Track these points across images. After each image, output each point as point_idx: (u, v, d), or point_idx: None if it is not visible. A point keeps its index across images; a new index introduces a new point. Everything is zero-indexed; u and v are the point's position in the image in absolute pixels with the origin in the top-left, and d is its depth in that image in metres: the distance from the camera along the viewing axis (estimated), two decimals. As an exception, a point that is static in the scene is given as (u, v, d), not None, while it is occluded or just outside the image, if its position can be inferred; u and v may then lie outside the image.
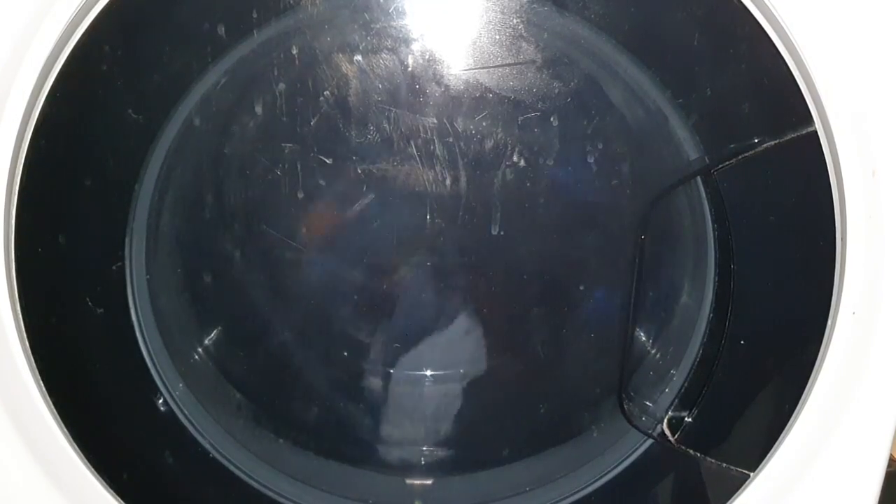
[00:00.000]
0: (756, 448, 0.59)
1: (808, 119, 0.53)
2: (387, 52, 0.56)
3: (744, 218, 0.56)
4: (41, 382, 0.57)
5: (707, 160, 0.55)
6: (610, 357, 0.66)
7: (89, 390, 0.59)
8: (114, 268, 0.58)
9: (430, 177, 0.60)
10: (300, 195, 0.61)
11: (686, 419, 0.61)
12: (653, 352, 0.68)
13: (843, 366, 0.57)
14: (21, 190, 0.54)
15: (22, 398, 0.57)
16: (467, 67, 0.57)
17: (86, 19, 0.52)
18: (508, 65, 0.56)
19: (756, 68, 0.53)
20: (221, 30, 0.53)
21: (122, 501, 0.60)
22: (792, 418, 0.58)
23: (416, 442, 0.71)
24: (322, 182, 0.61)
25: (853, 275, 0.55)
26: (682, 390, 0.62)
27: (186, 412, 0.62)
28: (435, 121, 0.58)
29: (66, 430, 0.58)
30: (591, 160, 0.61)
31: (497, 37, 0.55)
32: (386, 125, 0.58)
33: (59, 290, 0.57)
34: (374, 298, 0.67)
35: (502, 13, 0.54)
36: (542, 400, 0.71)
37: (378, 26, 0.55)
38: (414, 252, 0.64)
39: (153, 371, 0.60)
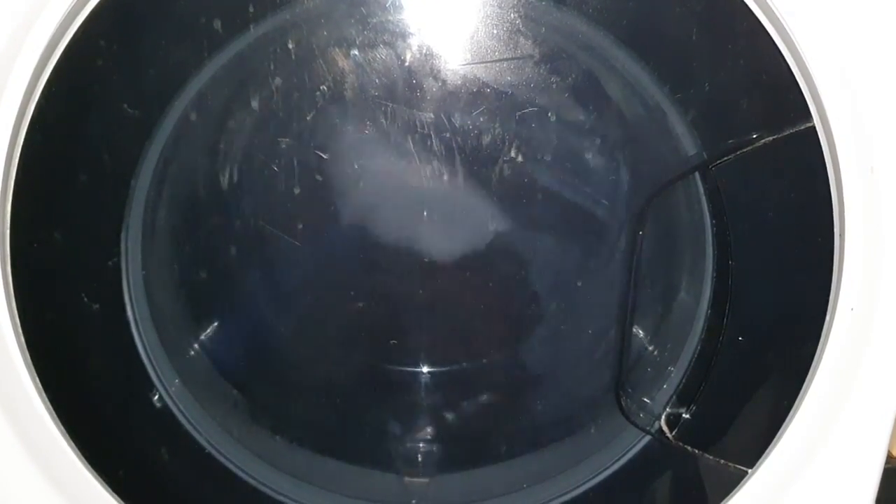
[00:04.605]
0: (754, 444, 0.59)
1: (807, 115, 0.53)
2: (384, 46, 0.56)
3: (742, 214, 0.56)
4: (37, 378, 0.57)
5: (705, 156, 0.55)
6: (608, 353, 0.66)
7: (85, 386, 0.59)
8: (109, 263, 0.58)
9: (428, 172, 0.60)
10: (296, 190, 0.61)
11: (684, 416, 0.61)
12: (650, 348, 0.68)
13: (842, 362, 0.57)
14: (16, 185, 0.54)
15: (17, 394, 0.57)
16: (464, 62, 0.56)
17: (81, 13, 0.52)
18: (506, 59, 0.56)
19: (754, 64, 0.53)
20: (217, 24, 0.52)
21: (117, 498, 0.60)
22: (790, 415, 0.58)
23: (413, 439, 0.71)
24: (318, 177, 0.61)
25: (851, 271, 0.55)
26: (680, 387, 0.62)
27: (182, 408, 0.62)
28: (432, 116, 0.58)
29: (61, 425, 0.58)
30: (588, 156, 0.61)
31: (494, 31, 0.55)
32: (383, 120, 0.58)
33: (55, 286, 0.57)
34: (371, 294, 0.67)
35: (500, 7, 0.54)
36: (539, 396, 0.71)
37: (375, 21, 0.55)
38: (410, 247, 0.64)
39: (149, 367, 0.60)
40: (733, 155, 0.54)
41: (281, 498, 0.65)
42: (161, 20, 0.53)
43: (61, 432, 0.58)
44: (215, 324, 0.69)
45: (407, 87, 0.57)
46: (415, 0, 0.54)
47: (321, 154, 0.60)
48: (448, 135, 0.58)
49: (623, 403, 0.63)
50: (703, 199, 0.58)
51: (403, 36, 0.55)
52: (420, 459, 0.70)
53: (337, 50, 0.56)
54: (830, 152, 0.53)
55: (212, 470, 0.63)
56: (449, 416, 0.72)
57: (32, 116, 0.53)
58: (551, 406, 0.71)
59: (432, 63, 0.56)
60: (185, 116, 0.57)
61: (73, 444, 0.58)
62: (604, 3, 0.52)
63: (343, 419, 0.71)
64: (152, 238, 0.62)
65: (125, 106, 0.54)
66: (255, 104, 0.58)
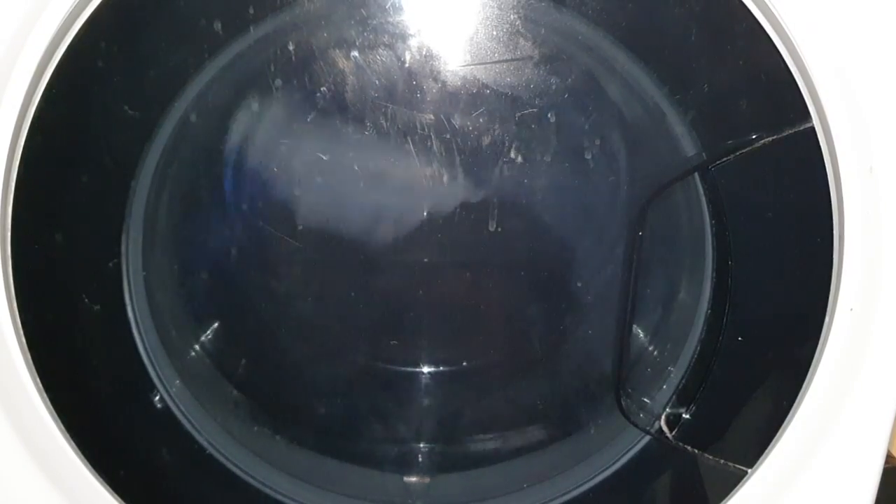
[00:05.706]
0: (754, 444, 0.59)
1: (806, 115, 0.53)
2: (384, 47, 0.56)
3: (741, 214, 0.56)
4: (38, 379, 0.57)
5: (704, 156, 0.55)
6: (607, 353, 0.66)
7: (86, 387, 0.59)
8: (110, 264, 0.58)
9: (428, 173, 0.60)
10: (296, 191, 0.61)
11: (684, 416, 0.61)
12: (650, 348, 0.68)
13: (841, 362, 0.57)
14: (17, 186, 0.54)
15: (18, 395, 0.57)
16: (464, 63, 0.56)
17: (82, 15, 0.52)
18: (506, 61, 0.56)
19: (754, 64, 0.53)
20: (218, 26, 0.52)
21: (117, 497, 0.60)
22: (790, 415, 0.58)
23: (414, 439, 0.71)
24: (318, 178, 0.61)
25: (850, 271, 0.55)
26: (680, 387, 0.62)
27: (183, 409, 0.62)
28: (432, 117, 0.58)
29: (62, 426, 0.58)
30: (588, 156, 0.61)
31: (494, 32, 0.55)
32: (383, 121, 0.58)
33: (56, 287, 0.57)
34: (371, 294, 0.67)
35: (499, 9, 0.54)
36: (539, 396, 0.71)
37: (375, 22, 0.55)
38: (411, 248, 0.64)
39: (149, 367, 0.60)
40: (733, 155, 0.54)
41: (281, 498, 0.65)
42: (161, 22, 0.53)
43: (61, 432, 0.58)
44: (216, 324, 0.69)
45: (407, 89, 0.57)
46: (415, 1, 0.54)
47: (321, 155, 0.60)
48: (448, 136, 0.58)
49: (623, 403, 0.63)
50: (703, 199, 0.58)
51: (403, 37, 0.55)
52: (420, 459, 0.71)
53: (337, 51, 0.56)
54: (829, 152, 0.53)
55: (212, 470, 0.63)
56: (449, 416, 0.72)
57: (33, 118, 0.53)
58: (551, 406, 0.71)
59: (432, 64, 0.56)
60: (186, 117, 0.57)
61: (73, 444, 0.59)
62: (603, 4, 0.52)
63: (343, 419, 0.71)
64: (153, 239, 0.62)
65: (126, 107, 0.54)
66: (255, 105, 0.58)
